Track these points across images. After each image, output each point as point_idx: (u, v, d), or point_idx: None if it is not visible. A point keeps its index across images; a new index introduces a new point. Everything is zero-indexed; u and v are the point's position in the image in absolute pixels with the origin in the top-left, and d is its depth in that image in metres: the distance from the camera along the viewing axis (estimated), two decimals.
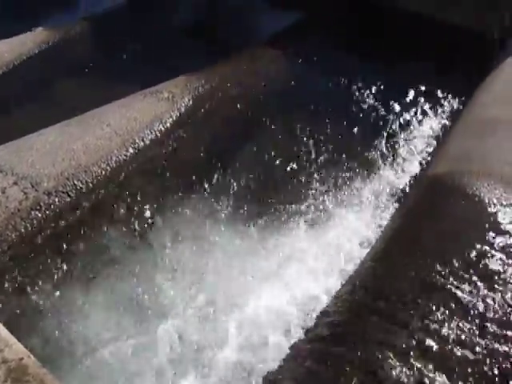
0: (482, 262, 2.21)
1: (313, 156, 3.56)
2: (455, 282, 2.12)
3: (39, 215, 2.64)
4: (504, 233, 2.35)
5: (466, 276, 2.15)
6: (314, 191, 3.28)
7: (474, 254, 2.25)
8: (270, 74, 4.31)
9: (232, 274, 2.72)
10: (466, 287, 2.10)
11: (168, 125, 3.34)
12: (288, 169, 3.45)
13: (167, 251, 2.85)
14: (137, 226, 2.94)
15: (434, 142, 3.68)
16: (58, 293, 2.58)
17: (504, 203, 2.49)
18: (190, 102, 3.57)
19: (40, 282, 2.58)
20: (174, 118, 3.40)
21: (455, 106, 4.03)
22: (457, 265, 2.20)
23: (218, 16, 5.57)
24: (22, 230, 2.58)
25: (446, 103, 4.08)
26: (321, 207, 3.17)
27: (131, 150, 3.09)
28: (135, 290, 2.64)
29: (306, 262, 2.80)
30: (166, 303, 2.59)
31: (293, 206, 3.17)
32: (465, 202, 2.58)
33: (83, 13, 5.90)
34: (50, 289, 2.59)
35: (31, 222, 2.62)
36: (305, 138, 3.70)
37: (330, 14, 5.11)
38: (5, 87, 4.29)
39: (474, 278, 2.13)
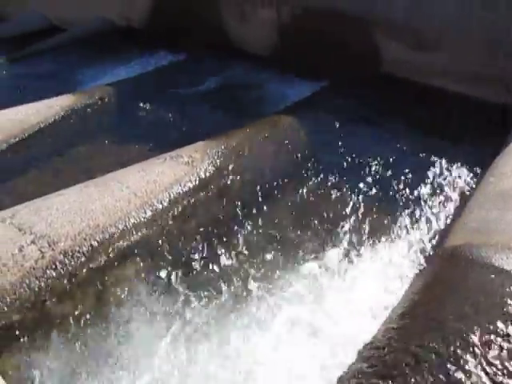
0: (504, 337, 2.14)
1: (327, 233, 3.53)
2: (478, 360, 2.05)
3: (54, 274, 2.64)
4: None
5: (489, 353, 2.08)
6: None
7: (495, 328, 2.19)
8: (289, 142, 4.37)
9: None
10: (489, 365, 2.03)
11: (186, 188, 3.37)
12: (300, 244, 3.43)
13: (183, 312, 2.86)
14: (152, 287, 2.92)
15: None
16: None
17: None
18: (210, 167, 3.62)
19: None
20: (193, 182, 3.44)
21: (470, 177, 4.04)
22: (478, 341, 2.13)
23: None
24: (36, 289, 2.57)
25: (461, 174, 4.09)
26: None
27: (149, 212, 3.12)
28: None
29: None
30: None
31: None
32: (484, 274, 2.53)
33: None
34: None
35: (45, 281, 2.61)
36: (322, 209, 3.71)
37: (350, 84, 5.28)
38: (29, 149, 4.41)
39: (494, 354, 2.06)
